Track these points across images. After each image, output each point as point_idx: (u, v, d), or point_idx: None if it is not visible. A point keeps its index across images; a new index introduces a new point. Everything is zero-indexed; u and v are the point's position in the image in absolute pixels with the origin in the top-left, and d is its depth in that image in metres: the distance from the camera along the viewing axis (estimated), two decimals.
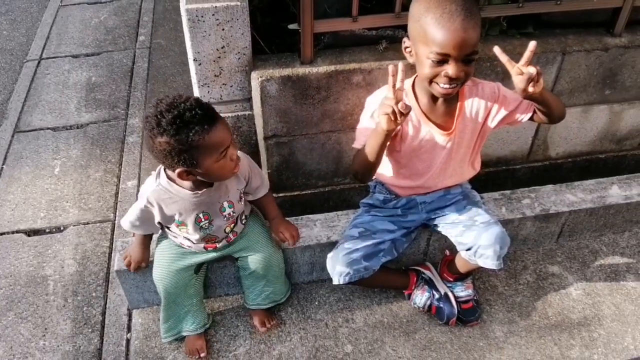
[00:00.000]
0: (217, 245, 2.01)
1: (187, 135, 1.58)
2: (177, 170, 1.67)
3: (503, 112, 1.86)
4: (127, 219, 1.94)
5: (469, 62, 1.64)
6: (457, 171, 2.00)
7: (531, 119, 1.87)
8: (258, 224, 2.11)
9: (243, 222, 2.03)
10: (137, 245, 2.07)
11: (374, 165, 1.81)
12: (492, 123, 1.89)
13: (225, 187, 1.87)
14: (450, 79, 1.64)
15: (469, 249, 1.98)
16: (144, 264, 2.08)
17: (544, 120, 1.84)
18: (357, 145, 1.89)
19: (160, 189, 1.80)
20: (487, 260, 1.95)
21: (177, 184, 1.79)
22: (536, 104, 1.77)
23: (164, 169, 1.81)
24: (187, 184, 1.78)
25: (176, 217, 1.87)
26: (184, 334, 2.12)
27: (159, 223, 1.91)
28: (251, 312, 2.20)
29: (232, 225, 1.98)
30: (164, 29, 3.99)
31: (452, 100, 1.83)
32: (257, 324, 2.18)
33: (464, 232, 1.99)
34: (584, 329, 2.20)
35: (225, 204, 1.90)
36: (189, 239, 1.95)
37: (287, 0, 2.03)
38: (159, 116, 1.57)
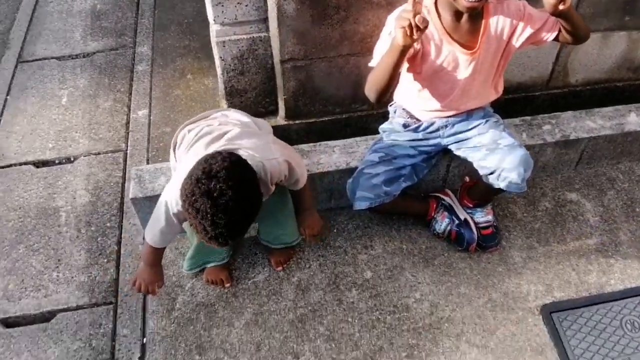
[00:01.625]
0: None
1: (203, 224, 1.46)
2: None
3: (529, 31, 1.80)
4: (156, 228, 1.76)
5: None
6: (481, 93, 1.94)
7: (556, 39, 1.81)
8: None
9: None
10: (149, 265, 1.88)
11: (387, 85, 1.73)
12: (517, 42, 1.83)
13: None
14: None
15: (492, 173, 1.95)
16: (160, 283, 1.91)
17: (568, 40, 1.79)
18: (373, 63, 1.82)
19: None
20: (511, 183, 1.92)
21: None
22: (563, 21, 1.71)
23: None
24: None
25: None
26: (211, 265, 2.10)
27: None
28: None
29: None
30: None
31: (476, 18, 1.76)
32: (273, 263, 2.16)
33: (487, 156, 1.95)
34: (601, 255, 2.20)
35: None
36: None
37: None
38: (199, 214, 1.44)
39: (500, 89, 2.00)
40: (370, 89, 1.80)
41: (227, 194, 1.41)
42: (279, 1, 1.92)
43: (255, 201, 1.52)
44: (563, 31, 1.76)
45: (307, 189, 1.96)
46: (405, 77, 1.94)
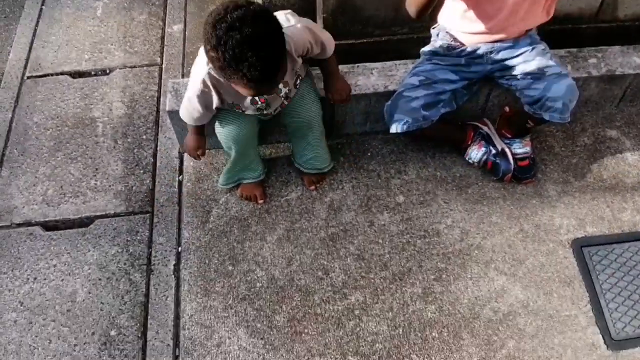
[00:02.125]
0: (272, 113, 1.93)
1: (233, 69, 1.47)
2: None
3: None
4: (185, 109, 1.87)
5: None
6: (529, 14, 1.85)
7: None
8: (308, 84, 1.98)
9: (297, 87, 1.91)
10: (191, 133, 1.98)
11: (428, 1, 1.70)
12: None
13: None
14: None
15: (536, 102, 1.90)
16: (201, 151, 2.00)
17: None
18: None
19: (214, 74, 1.69)
20: (555, 113, 1.88)
21: None
22: None
23: None
24: None
25: (232, 101, 1.81)
26: (246, 181, 2.12)
27: (216, 108, 1.82)
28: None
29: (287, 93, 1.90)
30: None
31: None
32: (306, 182, 2.17)
33: (532, 84, 1.91)
34: (637, 193, 2.17)
35: (281, 86, 1.81)
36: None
37: None
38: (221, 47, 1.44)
39: (552, 13, 1.92)
40: (411, 3, 1.75)
41: (246, 21, 1.42)
42: None
43: (275, 28, 1.51)
44: None
45: (333, 57, 1.96)
46: None
